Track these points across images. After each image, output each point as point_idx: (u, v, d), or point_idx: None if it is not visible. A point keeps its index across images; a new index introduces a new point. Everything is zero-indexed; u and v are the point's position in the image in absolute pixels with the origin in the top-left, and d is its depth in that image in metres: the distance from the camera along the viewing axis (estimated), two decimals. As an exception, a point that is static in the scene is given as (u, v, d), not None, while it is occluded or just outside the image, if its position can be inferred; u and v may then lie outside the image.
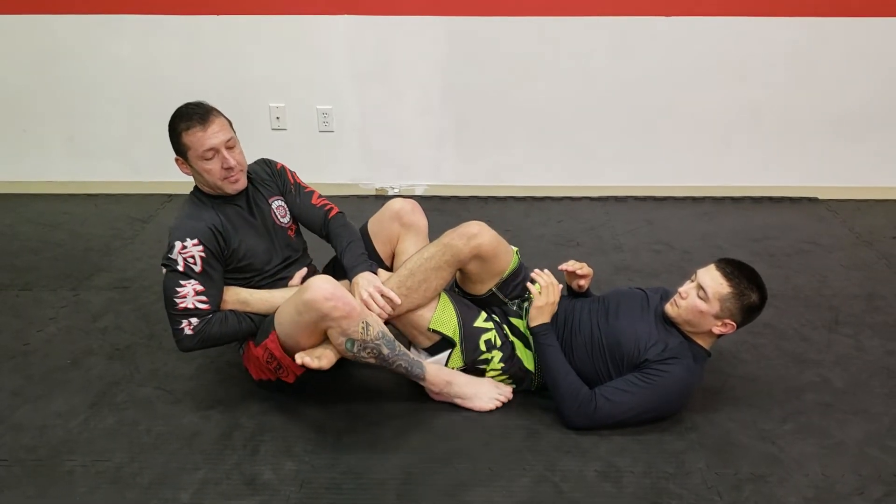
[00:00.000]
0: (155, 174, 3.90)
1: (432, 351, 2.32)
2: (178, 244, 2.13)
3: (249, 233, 2.27)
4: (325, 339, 2.15)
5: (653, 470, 2.06)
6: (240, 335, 2.23)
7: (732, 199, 3.92)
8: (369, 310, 2.15)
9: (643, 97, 3.77)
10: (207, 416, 2.28)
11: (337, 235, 2.38)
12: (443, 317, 2.29)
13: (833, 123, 3.80)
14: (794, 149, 3.86)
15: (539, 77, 3.74)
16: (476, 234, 2.26)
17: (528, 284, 2.28)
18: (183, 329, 2.13)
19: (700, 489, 1.99)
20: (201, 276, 2.14)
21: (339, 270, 2.38)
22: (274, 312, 2.20)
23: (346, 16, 3.63)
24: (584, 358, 2.26)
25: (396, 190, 3.98)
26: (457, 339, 2.29)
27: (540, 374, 2.29)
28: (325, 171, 3.90)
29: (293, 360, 2.13)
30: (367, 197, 3.94)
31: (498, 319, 2.37)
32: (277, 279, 2.32)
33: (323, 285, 2.04)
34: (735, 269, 2.14)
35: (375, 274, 2.27)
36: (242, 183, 2.24)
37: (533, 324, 2.25)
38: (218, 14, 3.64)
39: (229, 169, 2.17)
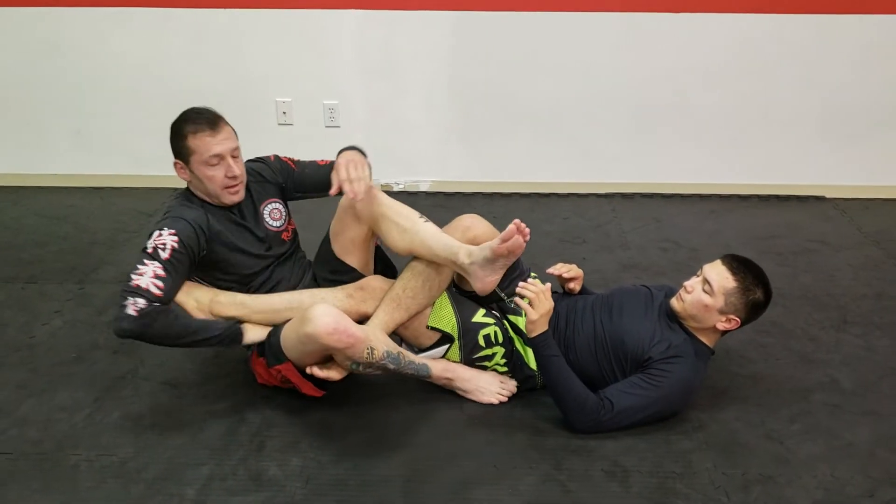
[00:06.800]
0: (160, 168, 3.82)
1: (429, 347, 2.31)
2: (155, 233, 2.09)
3: (236, 235, 2.22)
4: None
5: (660, 469, 2.05)
6: (181, 343, 2.09)
7: (740, 196, 3.90)
8: (340, 173, 2.12)
9: (650, 94, 3.75)
10: (213, 412, 2.27)
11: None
12: (440, 313, 2.29)
13: (841, 122, 3.77)
14: (801, 147, 3.84)
15: (545, 73, 3.72)
16: (470, 227, 2.27)
17: (517, 300, 2.16)
18: (126, 307, 1.99)
19: (707, 489, 1.98)
20: (166, 263, 2.05)
21: (323, 261, 2.37)
22: (273, 323, 2.20)
23: (353, 10, 3.61)
24: (587, 356, 2.24)
25: (401, 186, 3.97)
26: (455, 335, 2.28)
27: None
28: (330, 166, 3.88)
29: (312, 381, 2.19)
30: (372, 192, 3.92)
31: (498, 315, 2.36)
32: (265, 280, 2.29)
33: (324, 319, 2.00)
34: (741, 265, 2.14)
35: (364, 155, 2.25)
36: (241, 195, 2.20)
37: (531, 335, 2.17)
38: (225, 7, 3.62)
39: (233, 177, 2.13)
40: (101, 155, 3.96)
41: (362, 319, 2.24)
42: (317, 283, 2.38)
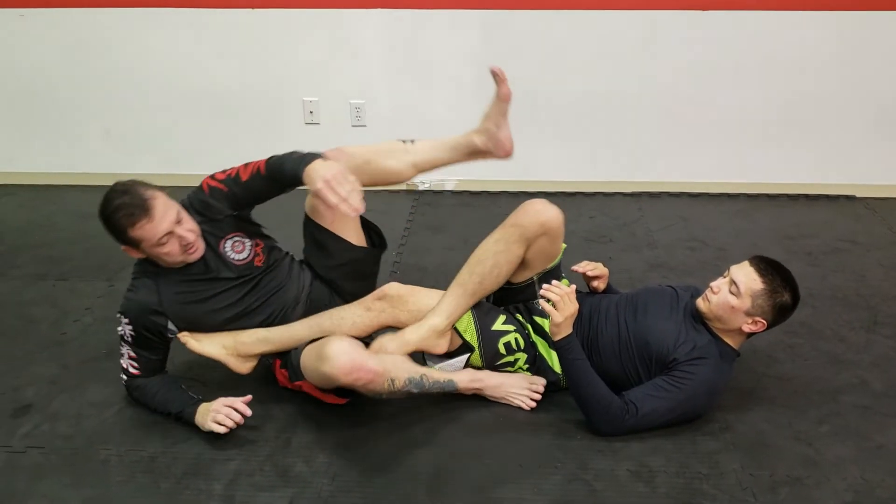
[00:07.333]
0: (190, 166, 3.92)
1: (451, 356, 2.30)
2: (119, 316, 2.21)
3: (202, 289, 2.19)
4: None
5: (686, 470, 2.03)
6: (157, 413, 2.24)
7: (768, 196, 3.86)
8: (328, 198, 1.83)
9: (678, 92, 3.72)
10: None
11: (270, 165, 2.07)
12: (460, 320, 2.28)
13: (871, 120, 3.72)
14: (831, 146, 3.79)
15: (571, 71, 3.71)
16: (542, 210, 2.22)
17: (543, 303, 2.13)
18: (122, 376, 2.27)
19: (734, 490, 1.97)
20: (132, 347, 2.22)
21: (316, 248, 2.34)
22: (296, 346, 2.22)
23: (379, 9, 3.63)
24: (611, 356, 2.23)
25: (427, 185, 3.98)
26: (474, 344, 2.27)
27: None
28: (356, 164, 3.90)
29: (334, 393, 2.20)
30: (397, 192, 3.94)
31: (521, 319, 2.35)
32: (257, 310, 2.27)
33: (341, 360, 1.97)
34: (769, 267, 2.11)
35: (325, 159, 1.96)
36: (201, 248, 2.12)
37: (556, 339, 2.15)
38: (253, 7, 3.66)
39: (187, 244, 2.06)
40: (132, 154, 4.01)
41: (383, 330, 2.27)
42: (319, 279, 2.36)
